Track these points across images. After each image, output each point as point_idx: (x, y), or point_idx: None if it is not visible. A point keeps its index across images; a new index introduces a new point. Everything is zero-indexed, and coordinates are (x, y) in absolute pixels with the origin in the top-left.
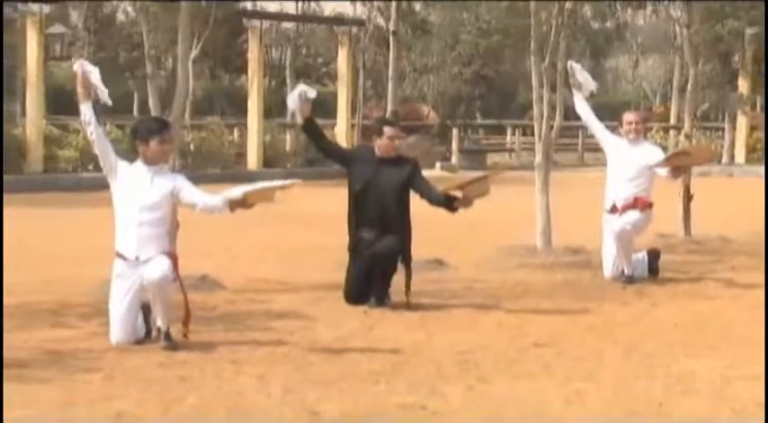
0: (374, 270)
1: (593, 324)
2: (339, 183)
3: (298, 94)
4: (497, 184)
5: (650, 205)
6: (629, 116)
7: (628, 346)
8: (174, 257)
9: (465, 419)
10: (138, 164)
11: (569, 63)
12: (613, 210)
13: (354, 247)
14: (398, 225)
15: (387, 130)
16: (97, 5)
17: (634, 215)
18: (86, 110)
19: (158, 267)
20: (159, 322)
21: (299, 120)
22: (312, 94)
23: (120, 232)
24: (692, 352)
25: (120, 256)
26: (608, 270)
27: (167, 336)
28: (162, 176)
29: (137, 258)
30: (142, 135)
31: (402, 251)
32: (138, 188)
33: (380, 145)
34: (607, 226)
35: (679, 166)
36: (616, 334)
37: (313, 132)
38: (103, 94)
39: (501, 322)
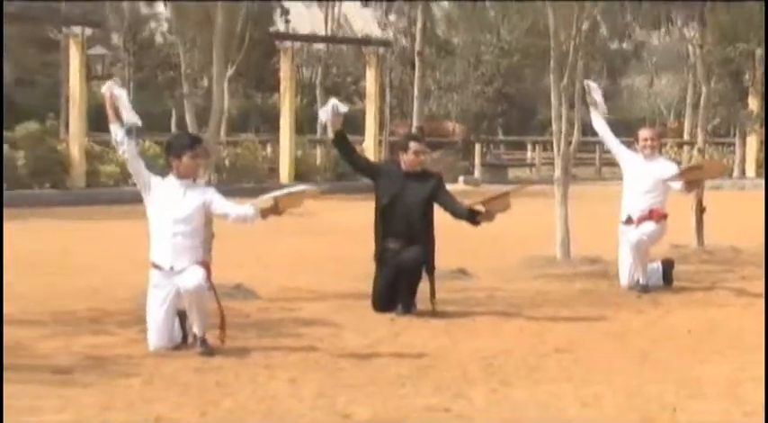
0: (400, 279)
1: (610, 331)
2: (367, 196)
3: (330, 108)
4: (519, 197)
5: (665, 217)
6: (644, 133)
7: (642, 352)
8: (207, 266)
9: (488, 422)
10: (171, 178)
11: (586, 82)
12: (629, 221)
13: (380, 257)
14: (423, 236)
15: (412, 145)
16: (136, 29)
17: (650, 226)
18: (116, 130)
19: (194, 277)
20: (195, 329)
21: (331, 133)
22: (343, 108)
23: (155, 244)
24: (704, 358)
25: (155, 266)
26: (624, 279)
27: (203, 342)
28: (194, 190)
29: (171, 268)
30: (175, 150)
31: (426, 261)
32: (171, 202)
33: (406, 159)
34: (623, 237)
35: (692, 179)
36: (631, 340)
37: (343, 145)
38: (130, 115)
39: (522, 329)
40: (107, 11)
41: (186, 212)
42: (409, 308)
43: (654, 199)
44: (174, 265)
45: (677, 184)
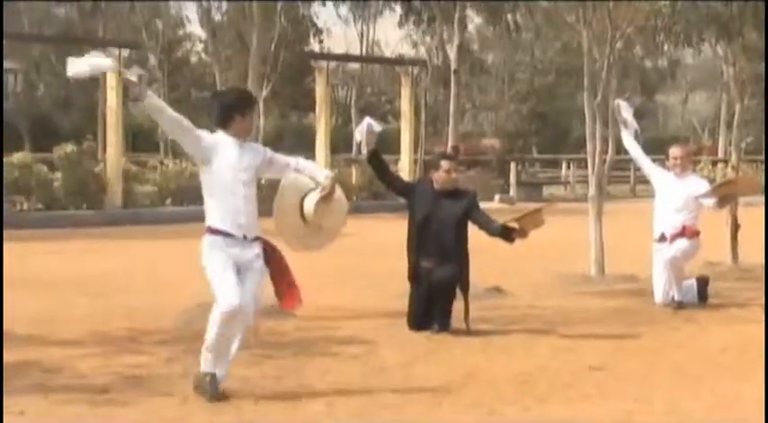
0: (434, 299)
1: (645, 348)
2: (403, 215)
3: (365, 126)
4: (553, 214)
5: (698, 233)
6: (674, 151)
7: (677, 369)
8: (270, 245)
9: None
10: (224, 137)
11: (615, 101)
12: (662, 239)
13: (415, 276)
14: (456, 255)
15: (443, 163)
16: (170, 50)
17: (683, 243)
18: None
19: (254, 305)
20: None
21: (365, 151)
22: (378, 127)
23: (219, 210)
24: (738, 375)
25: (220, 233)
26: (659, 296)
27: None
28: (250, 149)
29: (245, 237)
30: (240, 107)
31: (460, 280)
32: (234, 162)
33: (437, 177)
34: (657, 254)
35: (725, 195)
36: (666, 358)
37: (378, 164)
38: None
39: (557, 347)
40: (143, 32)
41: (250, 174)
42: (445, 326)
43: (686, 216)
44: (247, 233)
45: (709, 201)
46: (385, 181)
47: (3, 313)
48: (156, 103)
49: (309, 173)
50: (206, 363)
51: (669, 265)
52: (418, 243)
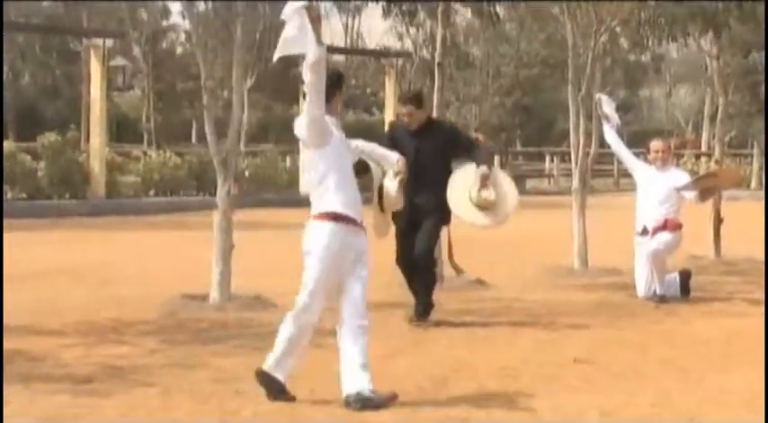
0: (414, 278)
1: (628, 341)
2: None
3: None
4: (536, 208)
5: (680, 226)
6: (655, 144)
7: (662, 361)
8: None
9: None
10: (329, 117)
11: (597, 95)
12: (644, 232)
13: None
14: (441, 188)
15: (397, 108)
16: (155, 41)
17: (665, 236)
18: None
19: (365, 315)
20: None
21: None
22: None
23: (343, 196)
24: (722, 367)
25: (343, 219)
26: (641, 290)
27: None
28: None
29: (360, 223)
30: (341, 83)
31: (443, 209)
32: (346, 142)
33: (403, 121)
34: (639, 248)
35: (707, 188)
36: (650, 351)
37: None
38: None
39: (541, 340)
40: (127, 22)
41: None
42: (428, 309)
43: (668, 209)
44: (362, 219)
45: (691, 194)
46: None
47: (2, 306)
48: None
49: (378, 157)
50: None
51: (651, 259)
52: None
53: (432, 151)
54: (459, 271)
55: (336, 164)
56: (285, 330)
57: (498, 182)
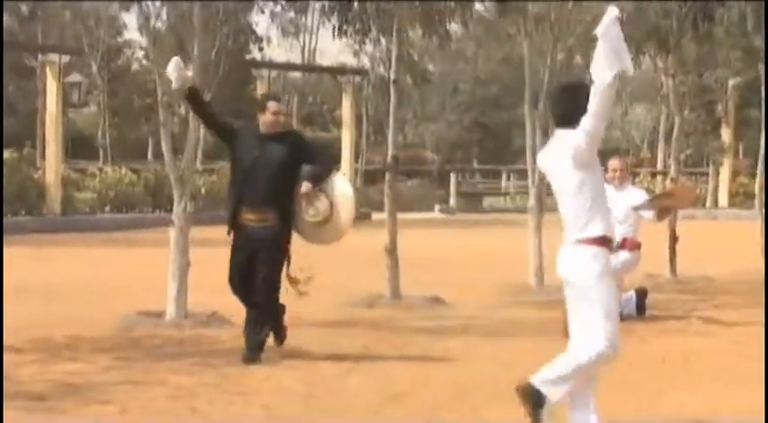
0: (257, 261)
1: None
2: (357, 221)
3: (175, 64)
4: (494, 226)
5: (638, 246)
6: (613, 163)
7: (618, 380)
8: None
9: None
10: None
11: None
12: None
13: (234, 227)
14: (281, 205)
15: (271, 104)
16: (110, 57)
17: (624, 255)
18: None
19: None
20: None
21: (176, 86)
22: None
23: (603, 215)
24: (679, 385)
25: (607, 242)
26: None
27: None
28: None
29: None
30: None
31: (283, 235)
32: None
33: (265, 120)
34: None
35: (664, 207)
36: (606, 368)
37: (198, 101)
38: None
39: (496, 358)
40: (83, 38)
41: None
42: (281, 337)
43: (626, 229)
44: None
45: (648, 213)
46: (206, 120)
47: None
48: None
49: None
50: (557, 391)
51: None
52: (242, 191)
53: (279, 159)
54: (295, 283)
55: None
56: (584, 365)
57: (333, 190)
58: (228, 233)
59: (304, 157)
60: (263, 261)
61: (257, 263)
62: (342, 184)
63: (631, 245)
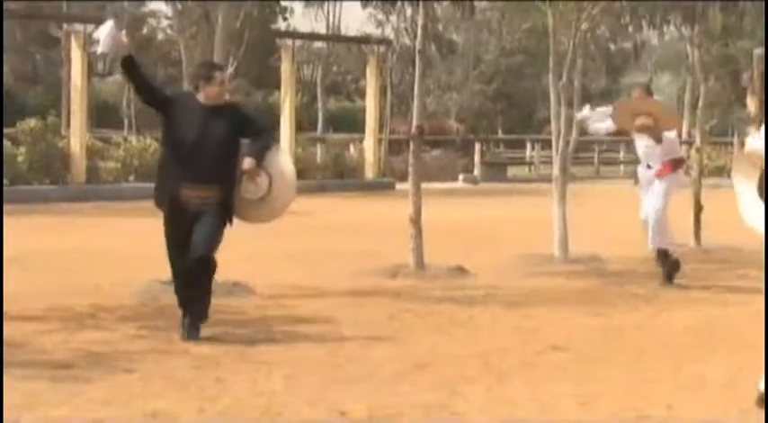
0: (196, 233)
1: (607, 329)
2: (367, 194)
3: (109, 29)
4: (517, 195)
5: (677, 165)
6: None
7: (639, 349)
8: None
9: (484, 419)
10: None
11: (578, 115)
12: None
13: (171, 201)
14: (228, 179)
15: (217, 74)
16: (135, 27)
17: (658, 187)
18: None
19: None
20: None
21: (103, 50)
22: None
23: None
24: (701, 356)
25: None
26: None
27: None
28: None
29: None
30: None
31: (227, 208)
32: None
33: (210, 92)
34: (643, 181)
35: (644, 125)
36: (628, 338)
37: (134, 70)
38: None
39: (519, 327)
40: (107, 8)
41: None
42: (203, 316)
43: (664, 157)
44: None
45: (606, 124)
46: (141, 88)
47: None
48: None
49: None
50: None
51: (653, 219)
52: (185, 168)
53: (224, 134)
54: None
55: None
56: None
57: (272, 166)
58: (160, 206)
59: (247, 132)
60: (206, 220)
61: (199, 224)
62: (282, 161)
63: (670, 168)
